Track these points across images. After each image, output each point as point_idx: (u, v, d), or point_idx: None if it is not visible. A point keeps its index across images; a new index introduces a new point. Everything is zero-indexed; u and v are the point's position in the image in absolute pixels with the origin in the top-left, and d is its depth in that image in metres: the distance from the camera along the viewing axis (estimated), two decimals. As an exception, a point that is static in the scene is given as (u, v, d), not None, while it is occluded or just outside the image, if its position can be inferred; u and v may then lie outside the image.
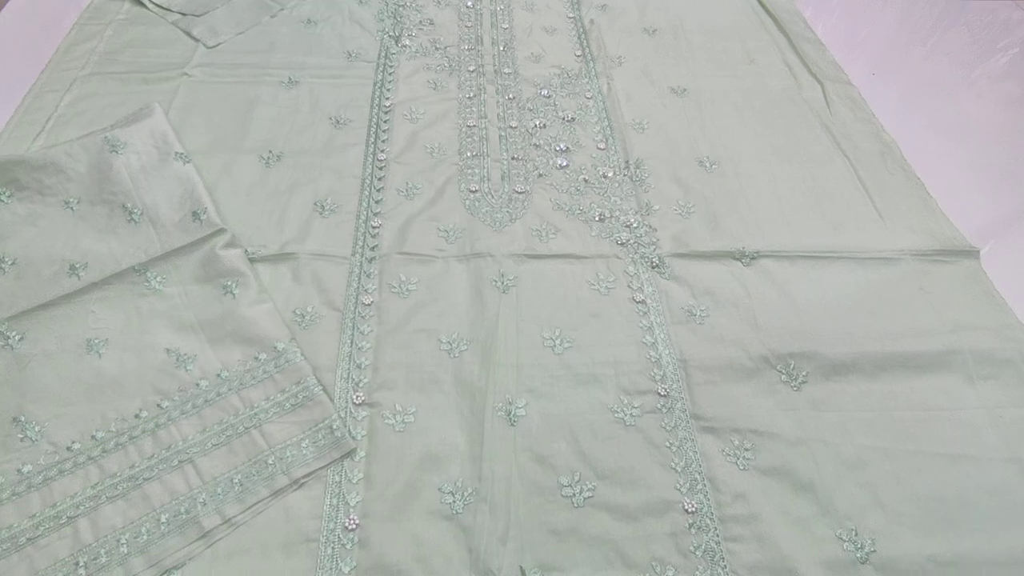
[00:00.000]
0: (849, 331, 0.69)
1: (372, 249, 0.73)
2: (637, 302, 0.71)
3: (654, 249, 0.76)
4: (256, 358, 0.62)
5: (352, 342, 0.65)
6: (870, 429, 0.63)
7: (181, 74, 0.93)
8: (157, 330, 0.64)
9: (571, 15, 1.12)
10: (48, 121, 0.84)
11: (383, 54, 1.00)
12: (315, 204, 0.77)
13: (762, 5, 1.17)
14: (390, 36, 1.03)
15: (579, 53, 1.04)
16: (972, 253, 0.78)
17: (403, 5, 1.10)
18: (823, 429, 0.62)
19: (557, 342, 0.67)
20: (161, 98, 0.88)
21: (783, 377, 0.65)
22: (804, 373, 0.66)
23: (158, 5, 1.04)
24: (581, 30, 1.08)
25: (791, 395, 0.64)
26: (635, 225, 0.78)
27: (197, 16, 1.03)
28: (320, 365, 0.63)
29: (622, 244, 0.76)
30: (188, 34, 1.00)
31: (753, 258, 0.76)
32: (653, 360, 0.66)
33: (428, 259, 0.73)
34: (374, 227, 0.75)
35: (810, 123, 0.95)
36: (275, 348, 0.63)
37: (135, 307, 0.65)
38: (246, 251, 0.71)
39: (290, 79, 0.94)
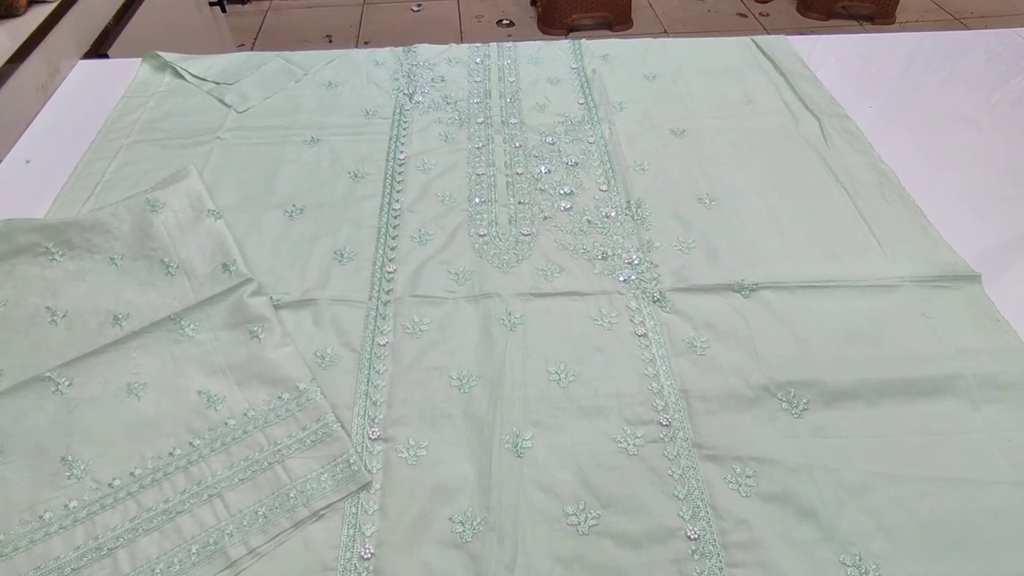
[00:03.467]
0: (850, 358, 0.71)
1: (387, 293, 0.78)
2: (639, 335, 0.74)
3: (655, 284, 0.79)
4: (280, 397, 0.67)
5: (368, 381, 0.69)
6: (873, 455, 0.63)
7: (214, 138, 1.01)
8: (190, 373, 0.69)
9: (574, 66, 1.18)
10: (97, 186, 0.92)
11: (398, 111, 1.07)
12: (334, 253, 0.83)
13: (759, 48, 1.22)
14: (404, 94, 1.11)
15: (582, 101, 1.10)
16: (974, 278, 0.79)
17: (416, 64, 1.18)
18: (825, 455, 0.63)
19: (562, 376, 0.70)
20: (196, 161, 0.97)
21: (783, 405, 0.67)
22: (805, 400, 0.67)
23: (196, 76, 1.14)
24: (584, 80, 1.15)
25: (792, 422, 0.66)
26: (637, 262, 0.82)
27: (229, 84, 1.12)
28: (338, 403, 0.67)
29: (624, 280, 0.80)
30: (221, 101, 1.09)
31: (752, 290, 0.78)
32: (655, 391, 0.68)
33: (439, 301, 0.77)
34: (389, 272, 0.80)
35: (808, 157, 0.98)
36: (297, 388, 0.67)
37: (171, 353, 0.71)
38: (271, 298, 0.77)
39: (312, 138, 1.02)
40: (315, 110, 1.08)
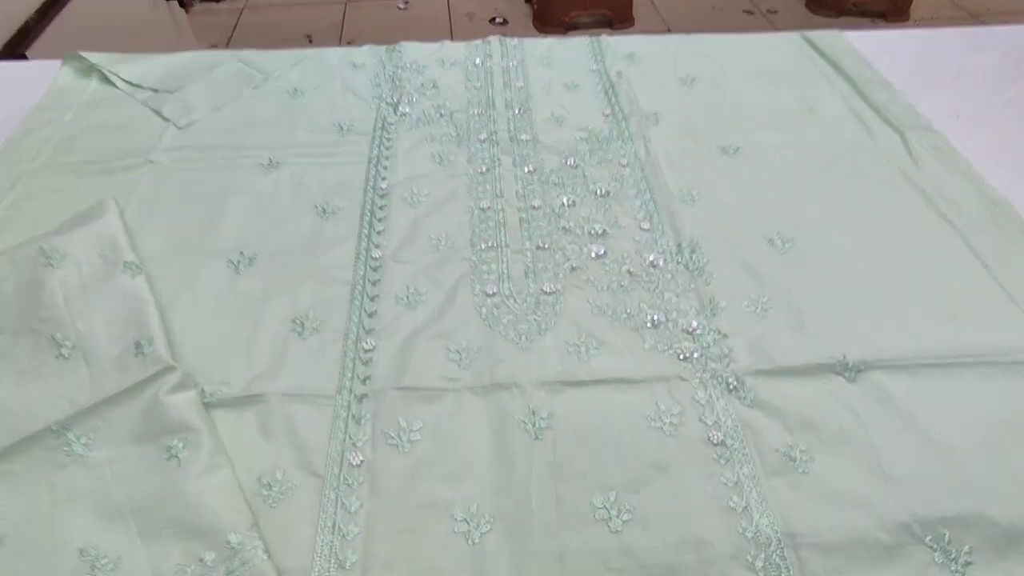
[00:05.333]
0: (1018, 475, 0.51)
1: (363, 382, 0.57)
2: (714, 444, 0.53)
3: (728, 364, 0.58)
4: (201, 560, 0.45)
5: (335, 527, 0.48)
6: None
7: (145, 161, 0.80)
8: (73, 519, 0.47)
9: (595, 67, 0.98)
10: (-20, 229, 0.70)
11: (379, 125, 0.86)
12: (293, 321, 0.62)
13: (812, 46, 1.03)
14: (387, 103, 0.90)
15: (608, 111, 0.89)
16: None
17: (402, 67, 0.97)
18: (1008, 640, 0.43)
19: (612, 513, 0.49)
20: (120, 191, 0.75)
21: (937, 556, 0.47)
22: (966, 549, 0.47)
23: (129, 82, 0.92)
24: (608, 84, 0.94)
25: (952, 586, 0.46)
26: (699, 331, 0.61)
27: (170, 92, 0.91)
28: (289, 568, 0.46)
29: (685, 359, 0.59)
30: (158, 114, 0.88)
31: (859, 371, 0.58)
32: (748, 536, 0.48)
33: (436, 394, 0.56)
34: (366, 350, 0.59)
35: (894, 181, 0.78)
36: (227, 542, 0.46)
37: (48, 484, 0.49)
38: (202, 393, 0.55)
39: (270, 160, 0.80)
40: (275, 125, 0.86)
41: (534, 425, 0.54)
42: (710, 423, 0.54)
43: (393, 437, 0.53)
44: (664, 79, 0.95)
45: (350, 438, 0.53)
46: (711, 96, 0.92)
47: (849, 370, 0.58)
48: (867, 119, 0.88)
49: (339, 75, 0.96)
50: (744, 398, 0.56)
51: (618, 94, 0.92)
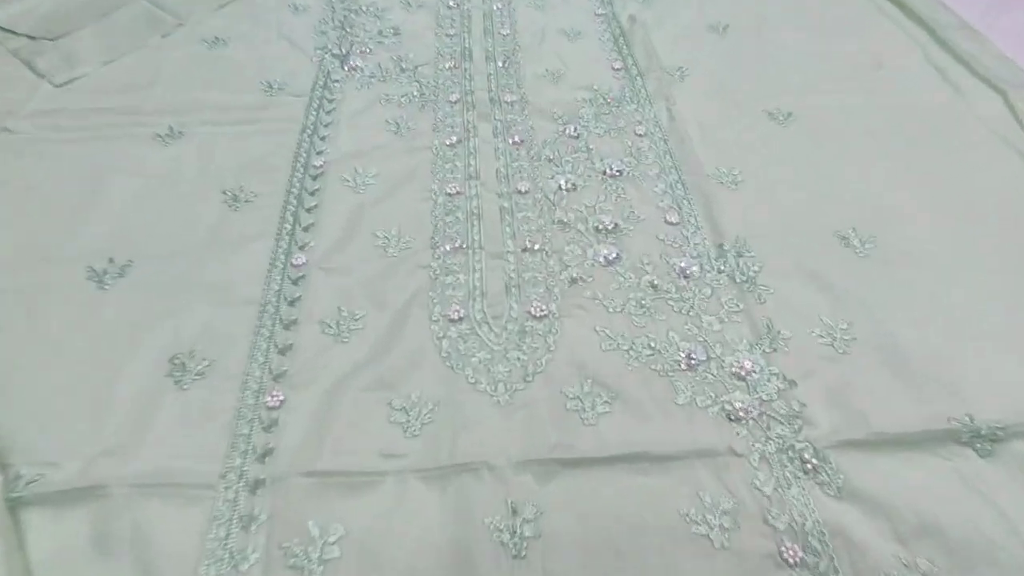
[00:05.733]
0: None
1: (261, 459, 0.38)
2: (790, 565, 0.35)
3: (800, 428, 0.40)
4: None
5: None
6: None
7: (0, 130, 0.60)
8: None
9: (601, 11, 0.77)
10: None
11: (321, 83, 0.66)
12: (171, 361, 0.43)
13: (871, -16, 0.82)
14: (334, 55, 0.70)
15: (619, 65, 0.69)
16: None
17: (356, 11, 0.76)
18: None
19: None
20: (-40, 170, 0.55)
21: None
22: None
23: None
24: (618, 31, 0.74)
25: None
26: (755, 374, 0.42)
27: (50, 40, 0.70)
28: None
29: (738, 420, 0.40)
30: (30, 67, 0.67)
31: (995, 440, 0.39)
32: None
33: (367, 481, 0.37)
34: (270, 408, 0.40)
35: (999, 156, 0.60)
36: None
37: None
38: (17, 480, 0.36)
39: (171, 129, 0.60)
40: (183, 82, 0.66)
41: (514, 533, 0.35)
42: (781, 527, 0.36)
43: (298, 554, 0.35)
44: (689, 26, 0.75)
45: (232, 557, 0.34)
46: (750, 47, 0.72)
47: (981, 438, 0.39)
48: (954, 76, 0.68)
49: (275, 20, 0.75)
50: (829, 485, 0.38)
51: (631, 44, 0.71)
